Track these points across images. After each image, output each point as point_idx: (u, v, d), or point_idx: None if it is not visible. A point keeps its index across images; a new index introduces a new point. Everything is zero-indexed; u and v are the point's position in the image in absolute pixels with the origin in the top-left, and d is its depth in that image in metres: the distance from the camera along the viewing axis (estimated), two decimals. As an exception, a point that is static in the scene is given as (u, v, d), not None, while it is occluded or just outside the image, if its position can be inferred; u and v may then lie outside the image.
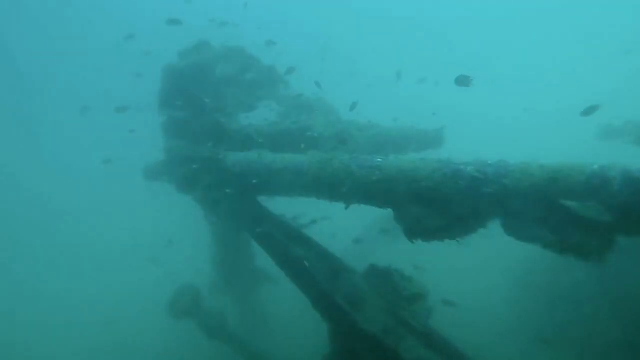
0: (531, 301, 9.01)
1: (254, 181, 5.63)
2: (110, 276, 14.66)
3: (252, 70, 7.53)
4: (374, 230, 10.56)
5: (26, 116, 32.21)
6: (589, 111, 4.89)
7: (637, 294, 6.83)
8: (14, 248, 19.28)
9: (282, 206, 6.08)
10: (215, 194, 6.26)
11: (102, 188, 23.96)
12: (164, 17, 9.52)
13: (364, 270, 5.48)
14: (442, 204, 3.84)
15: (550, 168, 3.27)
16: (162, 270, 11.96)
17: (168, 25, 9.46)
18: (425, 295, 5.52)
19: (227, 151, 6.56)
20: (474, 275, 10.76)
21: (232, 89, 7.19)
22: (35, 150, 31.23)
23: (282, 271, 5.31)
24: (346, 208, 4.89)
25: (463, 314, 8.88)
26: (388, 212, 4.51)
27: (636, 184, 2.87)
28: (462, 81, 5.04)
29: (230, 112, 7.20)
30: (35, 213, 24.20)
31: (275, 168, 5.39)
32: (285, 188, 5.35)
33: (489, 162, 3.70)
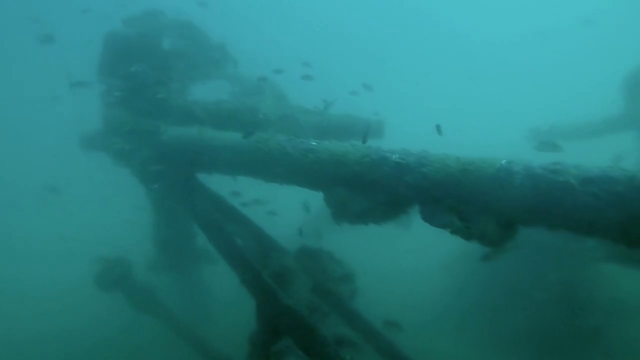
0: (457, 287, 9.55)
1: (191, 156, 5.64)
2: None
3: (201, 46, 7.44)
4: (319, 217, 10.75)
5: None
6: (438, 129, 5.39)
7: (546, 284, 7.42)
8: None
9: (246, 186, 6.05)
10: (152, 167, 6.20)
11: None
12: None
13: (295, 251, 5.65)
14: (368, 189, 4.03)
15: (465, 160, 3.52)
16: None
17: None
18: (352, 277, 5.78)
19: (168, 125, 6.50)
20: (407, 262, 11.28)
21: (178, 63, 7.08)
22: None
23: (213, 246, 5.37)
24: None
25: (391, 298, 9.32)
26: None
27: (534, 179, 3.15)
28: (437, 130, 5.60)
29: (175, 87, 7.10)
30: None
31: (214, 145, 5.41)
32: (222, 166, 5.38)
33: (413, 151, 3.93)
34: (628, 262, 6.73)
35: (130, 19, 6.70)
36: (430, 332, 8.60)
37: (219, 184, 6.15)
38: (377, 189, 3.97)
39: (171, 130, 6.23)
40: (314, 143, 4.55)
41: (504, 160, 3.38)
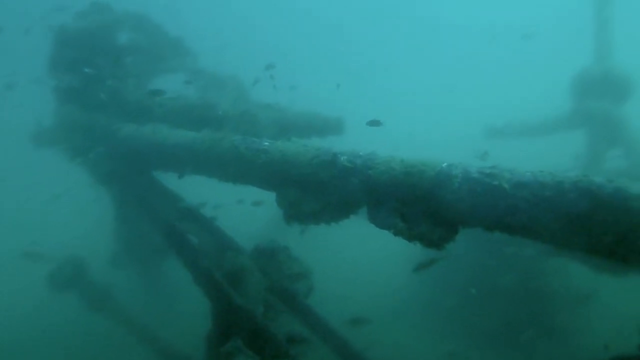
0: (419, 281, 9.78)
1: (145, 154, 5.57)
2: None
3: (157, 40, 7.31)
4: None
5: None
6: (374, 123, 5.55)
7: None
8: None
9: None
10: (106, 165, 6.09)
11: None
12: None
13: (251, 249, 5.68)
14: (318, 190, 4.09)
15: (408, 163, 3.62)
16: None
17: None
18: (307, 275, 5.85)
19: (124, 122, 6.39)
20: (371, 258, 11.47)
21: (133, 58, 6.95)
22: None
23: (168, 244, 5.34)
24: None
25: (354, 293, 9.49)
26: None
27: (471, 183, 3.27)
28: (373, 123, 5.64)
29: (131, 82, 6.97)
30: None
31: (168, 143, 5.36)
32: (175, 164, 5.35)
33: (361, 153, 4.00)
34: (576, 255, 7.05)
35: (82, 13, 6.52)
36: (393, 326, 8.83)
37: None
38: (326, 190, 4.03)
39: (125, 128, 6.13)
40: (266, 143, 4.57)
41: (445, 164, 3.49)
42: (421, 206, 3.49)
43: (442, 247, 3.56)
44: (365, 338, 5.52)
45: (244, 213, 8.25)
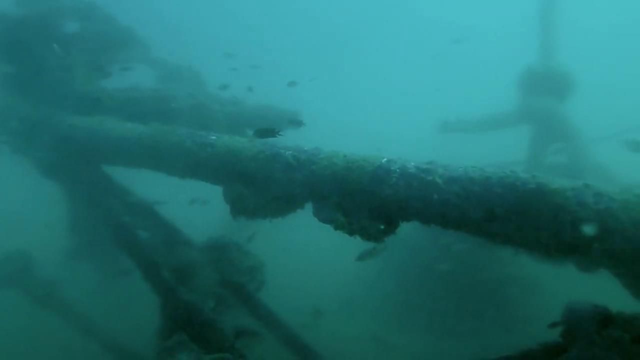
0: (375, 271, 9.97)
1: (91, 147, 5.43)
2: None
3: (106, 30, 7.10)
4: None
5: None
6: (294, 122, 5.67)
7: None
8: None
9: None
10: (50, 157, 5.91)
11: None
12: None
13: (202, 244, 5.65)
14: (263, 184, 4.11)
15: (350, 158, 3.68)
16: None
17: None
18: (259, 268, 5.88)
19: (70, 114, 6.19)
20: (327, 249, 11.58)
21: (81, 47, 6.72)
22: None
23: (115, 239, 5.25)
24: None
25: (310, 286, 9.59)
26: None
27: (408, 178, 3.37)
28: (294, 122, 5.67)
29: (79, 72, 6.76)
30: None
31: (114, 136, 5.24)
32: (122, 158, 5.24)
33: (305, 148, 4.04)
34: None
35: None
36: (348, 317, 8.99)
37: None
38: (271, 184, 4.05)
39: (70, 119, 5.95)
40: (213, 137, 4.54)
41: (384, 159, 3.58)
42: (361, 200, 3.57)
43: (381, 240, 3.66)
44: (314, 329, 5.60)
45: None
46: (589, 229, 2.66)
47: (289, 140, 4.46)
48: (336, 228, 3.62)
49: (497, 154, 9.00)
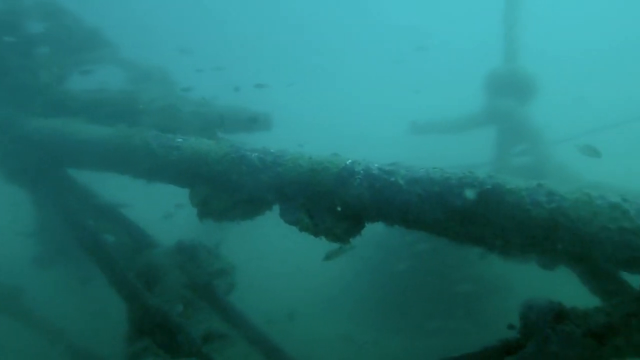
0: (352, 273, 10.04)
1: (54, 151, 5.32)
2: None
3: (72, 30, 6.96)
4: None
5: None
6: (252, 121, 5.66)
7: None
8: None
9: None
10: (12, 161, 5.76)
11: None
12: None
13: (171, 247, 5.59)
14: (229, 187, 4.10)
15: (315, 160, 3.71)
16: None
17: None
18: (229, 271, 5.84)
19: (32, 116, 6.05)
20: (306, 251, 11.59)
21: (45, 48, 6.58)
22: None
23: (79, 245, 5.15)
24: None
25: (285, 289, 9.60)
26: None
27: (371, 179, 3.41)
28: (252, 120, 5.63)
29: (43, 74, 6.61)
30: None
31: (78, 139, 5.15)
32: (86, 161, 5.16)
33: (272, 150, 4.05)
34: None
35: (-17, -2, 6.08)
36: (323, 318, 9.03)
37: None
38: (237, 187, 4.05)
39: (35, 122, 5.82)
40: (179, 140, 4.51)
41: (349, 161, 3.61)
42: (326, 202, 3.60)
43: (347, 242, 3.70)
44: (285, 332, 5.60)
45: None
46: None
47: (263, 143, 4.47)
48: (301, 229, 3.64)
49: (472, 154, 9.22)
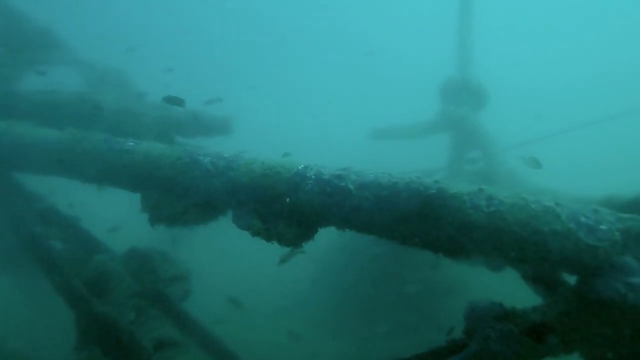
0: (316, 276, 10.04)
1: (1, 154, 5.10)
2: None
3: (21, 30, 6.72)
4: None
5: None
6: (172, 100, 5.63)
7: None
8: None
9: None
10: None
11: None
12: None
13: (123, 253, 5.45)
14: (181, 191, 4.05)
15: (267, 165, 3.72)
16: None
17: None
18: (185, 277, 5.76)
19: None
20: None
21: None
22: None
23: (24, 250, 4.96)
24: None
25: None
26: None
27: (322, 184, 3.45)
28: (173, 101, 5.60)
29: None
30: None
31: (25, 143, 4.96)
32: (34, 165, 4.97)
33: (225, 154, 4.03)
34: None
35: None
36: (287, 321, 9.01)
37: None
38: (189, 191, 4.00)
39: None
40: (131, 144, 4.41)
41: (301, 166, 3.64)
42: (278, 206, 3.61)
43: (299, 246, 3.72)
44: (239, 338, 5.56)
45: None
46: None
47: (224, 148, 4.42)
48: (253, 234, 3.63)
49: (433, 160, 9.47)
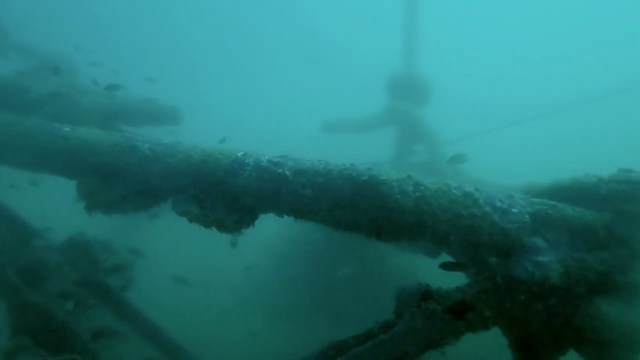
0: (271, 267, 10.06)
1: None
2: None
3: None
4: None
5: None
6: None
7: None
8: None
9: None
10: None
11: None
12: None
13: (61, 242, 5.31)
14: (118, 178, 3.99)
15: (207, 151, 3.73)
16: None
17: None
18: (127, 267, 5.67)
19: None
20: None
21: None
22: None
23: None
24: None
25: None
26: None
27: (260, 171, 3.50)
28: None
29: None
30: None
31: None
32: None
33: (164, 141, 4.00)
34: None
35: None
36: (240, 313, 9.02)
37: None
38: (127, 178, 3.95)
39: None
40: (67, 129, 4.29)
41: (240, 153, 3.67)
42: (217, 193, 3.63)
43: (238, 232, 3.76)
44: (184, 329, 5.55)
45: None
46: None
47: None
48: (191, 220, 3.64)
49: (382, 152, 9.67)
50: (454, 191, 2.92)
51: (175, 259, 10.46)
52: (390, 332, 3.15)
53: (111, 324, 4.81)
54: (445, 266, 3.48)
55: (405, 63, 9.81)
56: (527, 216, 2.75)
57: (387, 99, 9.77)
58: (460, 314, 2.98)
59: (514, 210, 2.76)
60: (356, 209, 3.25)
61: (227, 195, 3.62)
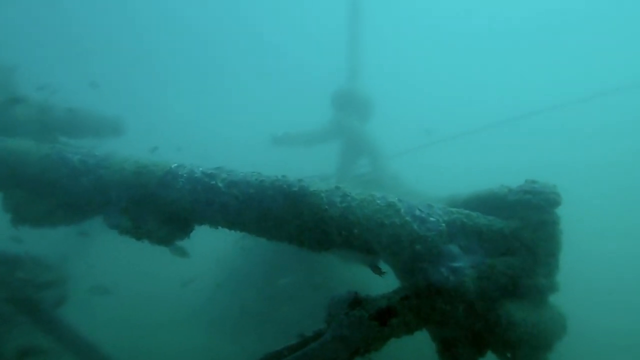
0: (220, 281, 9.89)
1: None
2: None
3: None
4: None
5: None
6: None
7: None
8: None
9: None
10: None
11: None
12: None
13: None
14: (47, 190, 3.89)
15: (141, 163, 3.71)
16: None
17: None
18: (60, 282, 5.46)
19: None
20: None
21: None
22: None
23: None
24: None
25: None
26: None
27: (194, 182, 3.52)
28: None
29: None
30: None
31: None
32: None
33: (97, 153, 3.95)
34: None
35: None
36: (185, 328, 8.81)
37: None
38: (56, 190, 3.86)
39: None
40: (-8, 140, 4.15)
41: (174, 164, 3.68)
42: (150, 205, 3.61)
43: (170, 244, 3.75)
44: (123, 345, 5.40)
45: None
46: None
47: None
48: (121, 233, 3.60)
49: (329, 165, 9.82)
50: (378, 201, 3.06)
51: (118, 272, 10.14)
52: (319, 340, 3.23)
53: (41, 342, 4.62)
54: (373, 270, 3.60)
55: (349, 78, 10.10)
56: (443, 224, 2.92)
57: (332, 113, 9.99)
58: (384, 320, 3.10)
59: (431, 219, 2.93)
60: (287, 220, 3.33)
61: (159, 207, 3.61)
